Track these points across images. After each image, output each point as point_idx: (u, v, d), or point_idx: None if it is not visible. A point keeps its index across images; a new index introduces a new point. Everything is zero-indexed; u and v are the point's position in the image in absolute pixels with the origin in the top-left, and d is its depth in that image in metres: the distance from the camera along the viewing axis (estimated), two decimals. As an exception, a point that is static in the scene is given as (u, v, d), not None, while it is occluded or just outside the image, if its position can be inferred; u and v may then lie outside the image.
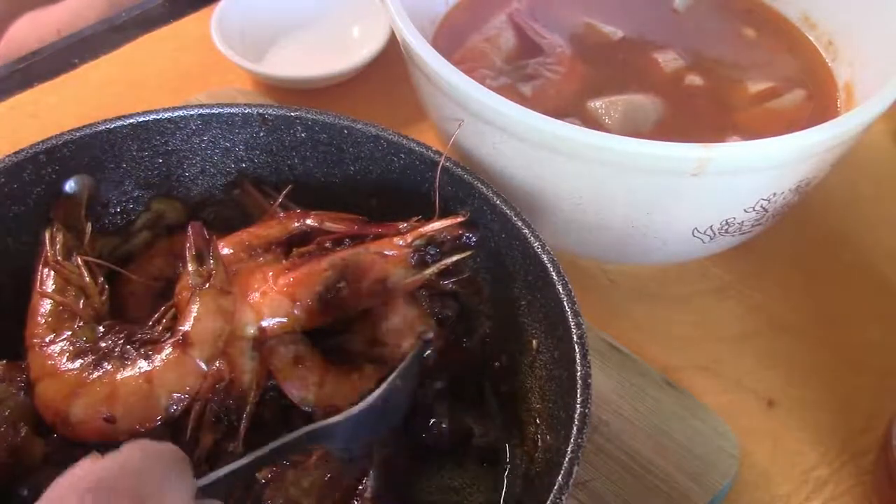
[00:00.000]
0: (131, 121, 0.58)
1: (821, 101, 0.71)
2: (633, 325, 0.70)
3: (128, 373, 0.49)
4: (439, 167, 0.56)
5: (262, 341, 0.52)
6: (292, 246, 0.57)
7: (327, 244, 0.56)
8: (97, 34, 0.94)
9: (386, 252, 0.54)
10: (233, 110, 0.60)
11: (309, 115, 0.60)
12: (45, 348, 0.51)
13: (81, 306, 0.53)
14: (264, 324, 0.52)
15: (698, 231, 0.62)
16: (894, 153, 0.85)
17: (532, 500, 0.50)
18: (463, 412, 0.58)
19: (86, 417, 0.48)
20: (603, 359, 0.65)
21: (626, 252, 0.68)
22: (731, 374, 0.67)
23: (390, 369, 0.54)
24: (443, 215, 0.56)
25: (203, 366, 0.49)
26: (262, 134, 0.61)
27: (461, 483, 0.57)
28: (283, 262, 0.55)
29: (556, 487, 0.43)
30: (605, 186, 0.58)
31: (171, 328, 0.51)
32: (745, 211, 0.60)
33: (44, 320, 0.52)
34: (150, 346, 0.50)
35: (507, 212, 0.54)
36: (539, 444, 0.53)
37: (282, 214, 0.59)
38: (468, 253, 0.55)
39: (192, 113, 0.60)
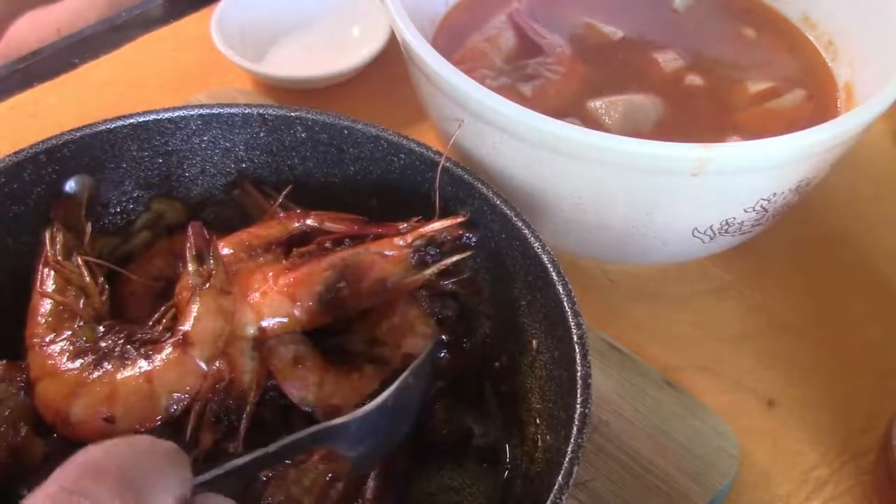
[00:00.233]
0: (131, 121, 0.58)
1: (821, 101, 0.71)
2: (633, 325, 0.70)
3: (128, 373, 0.49)
4: (439, 167, 0.56)
5: (262, 341, 0.52)
6: (292, 246, 0.57)
7: (327, 244, 0.56)
8: (97, 34, 0.94)
9: (386, 252, 0.54)
10: (233, 110, 0.60)
11: (309, 116, 0.60)
12: (45, 348, 0.51)
13: (81, 306, 0.53)
14: (264, 324, 0.52)
15: (698, 231, 0.62)
16: (894, 153, 0.85)
17: (532, 500, 0.50)
18: (463, 412, 0.58)
19: (86, 417, 0.48)
20: (603, 359, 0.65)
21: (626, 252, 0.68)
22: (731, 374, 0.67)
23: (402, 368, 0.53)
24: (443, 215, 0.55)
25: (203, 366, 0.49)
26: (262, 134, 0.61)
27: (461, 483, 0.57)
28: (283, 262, 0.55)
29: (556, 487, 0.43)
30: (605, 186, 0.58)
31: (171, 328, 0.51)
32: (745, 211, 0.60)
33: (44, 320, 0.52)
34: (150, 345, 0.50)
35: (507, 212, 0.54)
36: (539, 444, 0.53)
37: (282, 214, 0.59)
38: (468, 253, 0.55)
39: (192, 113, 0.60)
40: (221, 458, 0.49)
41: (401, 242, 0.55)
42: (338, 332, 0.57)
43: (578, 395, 0.46)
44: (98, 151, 0.58)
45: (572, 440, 0.44)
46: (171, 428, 0.49)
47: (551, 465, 0.48)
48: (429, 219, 0.56)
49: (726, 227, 0.62)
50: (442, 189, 0.56)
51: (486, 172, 0.61)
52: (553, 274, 0.51)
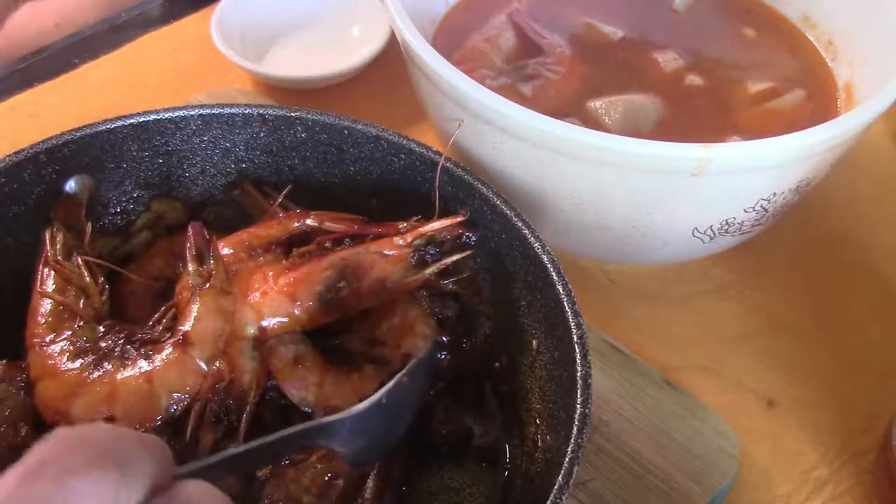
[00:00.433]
0: (131, 121, 0.58)
1: (821, 101, 0.71)
2: (633, 325, 0.70)
3: (128, 372, 0.49)
4: (439, 167, 0.56)
5: (262, 341, 0.52)
6: (292, 246, 0.57)
7: (327, 244, 0.56)
8: (97, 34, 0.94)
9: (386, 252, 0.54)
10: (233, 110, 0.60)
11: (309, 116, 0.60)
12: (45, 348, 0.51)
13: (81, 306, 0.53)
14: (264, 324, 0.52)
15: (698, 231, 0.62)
16: (894, 153, 0.85)
17: (532, 500, 0.50)
18: (463, 412, 0.58)
19: (86, 417, 0.48)
20: (603, 359, 0.65)
21: (626, 252, 0.68)
22: (731, 374, 0.67)
23: (402, 368, 0.52)
24: (443, 215, 0.56)
25: (203, 366, 0.49)
26: (262, 134, 0.61)
27: (461, 483, 0.57)
28: (284, 262, 0.55)
29: (556, 487, 0.43)
30: (605, 186, 0.58)
31: (172, 328, 0.51)
32: (745, 211, 0.60)
33: (44, 320, 0.52)
34: (150, 345, 0.50)
35: (507, 212, 0.54)
36: (539, 444, 0.53)
37: (282, 214, 0.59)
38: (468, 253, 0.55)
39: (192, 113, 0.60)
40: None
41: (401, 242, 0.55)
42: (338, 332, 0.57)
43: (578, 396, 0.46)
44: (98, 151, 0.58)
45: (572, 440, 0.44)
46: (171, 428, 0.49)
47: (551, 465, 0.48)
48: (429, 218, 0.56)
49: (726, 227, 0.62)
50: (442, 189, 0.56)
51: (486, 172, 0.61)
52: (553, 274, 0.51)
